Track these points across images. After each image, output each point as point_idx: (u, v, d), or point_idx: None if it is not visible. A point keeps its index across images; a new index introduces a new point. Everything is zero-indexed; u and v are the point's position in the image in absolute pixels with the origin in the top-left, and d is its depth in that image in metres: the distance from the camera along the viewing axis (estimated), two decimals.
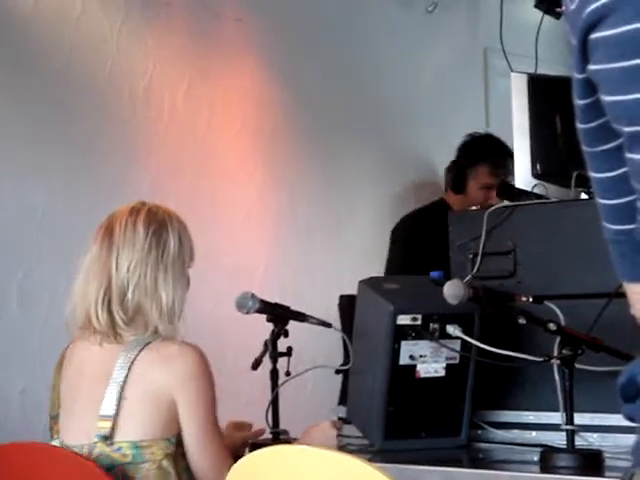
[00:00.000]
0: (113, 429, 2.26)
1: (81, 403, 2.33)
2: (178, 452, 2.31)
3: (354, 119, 4.53)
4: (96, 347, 2.34)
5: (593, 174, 1.25)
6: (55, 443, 2.35)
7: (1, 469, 2.31)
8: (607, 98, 1.15)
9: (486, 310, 2.53)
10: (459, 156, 4.16)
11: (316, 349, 3.71)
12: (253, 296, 2.69)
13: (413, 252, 3.97)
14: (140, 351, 2.30)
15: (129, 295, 2.32)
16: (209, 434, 2.33)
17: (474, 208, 2.98)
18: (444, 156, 4.69)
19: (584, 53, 1.15)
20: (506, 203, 2.89)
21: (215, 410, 2.36)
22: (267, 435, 2.71)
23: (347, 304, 3.73)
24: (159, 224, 2.37)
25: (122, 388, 2.27)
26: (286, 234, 4.28)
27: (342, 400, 3.23)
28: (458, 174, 4.12)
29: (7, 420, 3.38)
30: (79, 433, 2.30)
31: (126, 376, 2.28)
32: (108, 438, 2.26)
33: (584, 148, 1.24)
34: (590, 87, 1.18)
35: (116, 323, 2.32)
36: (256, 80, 4.25)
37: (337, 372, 2.79)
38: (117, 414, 2.26)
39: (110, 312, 2.32)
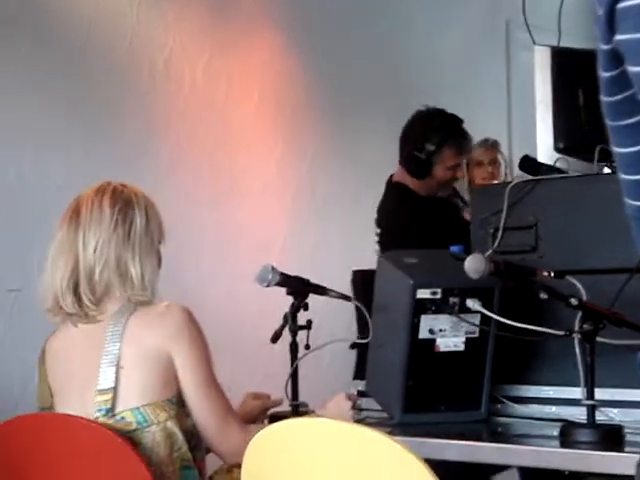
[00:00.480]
0: (114, 400, 2.26)
1: (76, 386, 2.33)
2: (181, 412, 2.31)
3: (374, 93, 4.51)
4: (75, 330, 2.35)
5: (616, 149, 1.23)
6: None
7: (19, 440, 2.32)
8: (634, 69, 1.13)
9: (507, 285, 2.51)
10: (419, 142, 3.87)
11: (334, 323, 3.71)
12: (274, 269, 2.69)
13: (416, 229, 3.84)
14: (128, 319, 2.30)
15: (97, 276, 2.31)
16: (208, 385, 2.33)
17: (496, 182, 2.95)
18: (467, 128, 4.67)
19: (611, 23, 1.14)
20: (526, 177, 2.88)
21: (211, 363, 2.36)
22: (286, 407, 2.72)
23: (360, 279, 3.70)
24: (125, 202, 2.35)
25: (118, 358, 2.27)
26: (304, 208, 4.28)
27: (357, 375, 3.22)
28: (422, 162, 3.87)
29: (27, 392, 3.39)
30: (78, 413, 2.29)
31: (120, 346, 2.27)
32: (110, 410, 2.26)
33: (607, 122, 1.23)
34: (616, 58, 1.16)
35: (83, 304, 2.31)
36: (275, 53, 4.24)
37: (352, 346, 2.79)
38: (116, 385, 2.27)
39: (77, 294, 2.32)
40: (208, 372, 2.33)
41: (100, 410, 2.27)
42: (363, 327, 3.25)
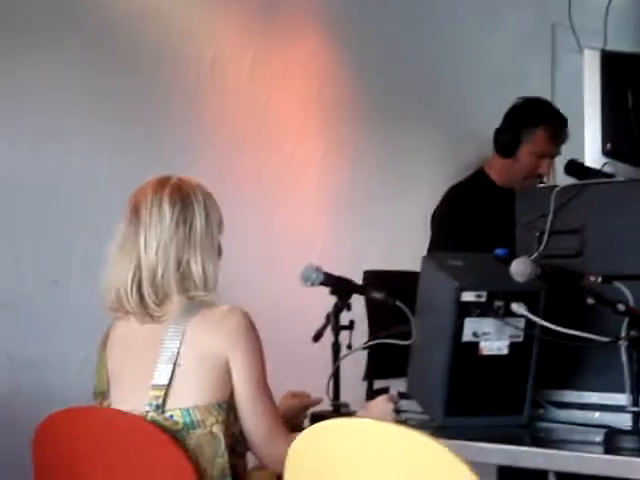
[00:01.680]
0: (165, 397, 2.28)
1: (131, 376, 2.35)
2: (229, 417, 2.31)
3: (417, 94, 4.50)
4: (138, 324, 2.36)
5: None
6: None
7: (67, 432, 2.34)
8: None
9: (553, 289, 2.50)
10: (515, 117, 3.87)
11: None
12: (318, 269, 2.69)
13: (454, 232, 3.81)
14: (189, 319, 2.31)
15: (159, 276, 2.32)
16: (261, 393, 2.34)
17: (541, 185, 2.93)
18: None
19: None
20: (573, 181, 2.86)
21: (265, 371, 2.36)
22: (327, 407, 2.71)
23: (372, 280, 3.65)
24: (184, 201, 2.35)
25: (176, 356, 2.28)
26: (346, 208, 4.28)
27: (368, 375, 3.21)
28: (512, 136, 3.85)
29: (67, 387, 3.42)
30: (130, 405, 2.31)
31: (179, 345, 2.29)
32: (160, 407, 2.27)
33: None
34: None
35: (147, 304, 2.32)
36: (319, 54, 4.24)
37: (365, 347, 2.78)
38: (170, 383, 2.28)
39: (140, 293, 2.33)
40: (262, 380, 2.34)
41: (151, 405, 2.28)
42: (374, 327, 3.24)
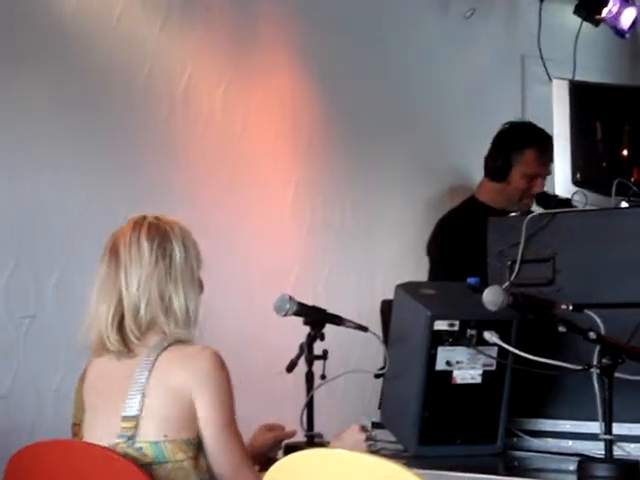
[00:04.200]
0: (136, 429, 2.28)
1: (104, 408, 2.36)
2: (199, 454, 2.31)
3: (390, 124, 4.52)
4: (115, 360, 2.37)
5: None
6: None
7: (38, 466, 2.32)
8: None
9: (525, 317, 2.51)
10: (503, 142, 3.99)
11: (348, 353, 3.71)
12: (291, 299, 2.69)
13: (451, 260, 3.87)
14: (160, 352, 2.32)
15: (142, 312, 2.34)
16: (227, 433, 2.33)
17: (513, 215, 2.95)
18: (479, 163, 4.66)
19: None
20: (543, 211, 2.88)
21: (234, 411, 2.36)
22: (302, 438, 2.71)
23: (389, 309, 3.68)
24: (162, 236, 2.38)
25: (144, 387, 2.29)
26: (320, 238, 4.28)
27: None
28: (503, 160, 3.96)
29: (40, 421, 3.40)
30: (101, 436, 2.31)
31: (148, 376, 2.30)
32: (131, 438, 2.28)
33: None
34: None
35: (128, 340, 2.34)
36: (292, 85, 4.26)
37: (377, 376, 2.78)
38: (140, 414, 2.29)
39: (121, 331, 2.35)
40: (228, 419, 2.33)
41: (122, 437, 2.29)
42: None
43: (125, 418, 2.29)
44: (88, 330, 2.39)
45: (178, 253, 2.38)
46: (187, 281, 2.38)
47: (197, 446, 2.31)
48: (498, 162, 3.98)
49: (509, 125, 4.07)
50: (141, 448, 2.28)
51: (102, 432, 2.31)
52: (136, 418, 2.28)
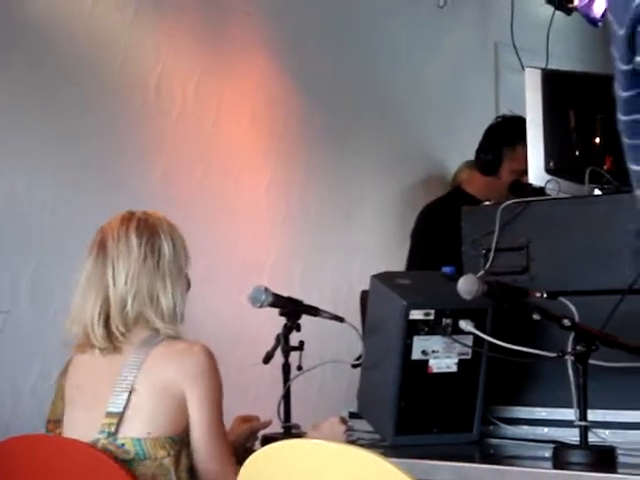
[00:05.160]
0: (118, 425, 2.27)
1: (87, 404, 2.34)
2: (181, 452, 2.31)
3: (363, 115, 4.52)
4: (99, 356, 2.36)
5: (632, 166, 1.24)
6: None
7: (14, 462, 2.31)
8: None
9: (500, 305, 2.52)
10: (495, 136, 3.96)
11: (325, 344, 3.71)
12: (266, 290, 2.70)
13: (431, 250, 3.86)
14: (150, 350, 2.32)
15: (129, 307, 2.33)
16: (216, 431, 2.34)
17: (487, 204, 2.96)
18: (453, 152, 4.68)
19: (632, 44, 1.14)
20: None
21: (221, 409, 2.37)
22: (279, 429, 2.71)
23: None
24: (151, 232, 2.37)
25: (132, 384, 2.28)
26: (295, 229, 4.28)
27: None
28: (493, 154, 3.94)
29: (17, 416, 3.38)
30: (82, 432, 2.30)
31: (137, 374, 2.29)
32: (112, 434, 2.27)
33: (624, 140, 1.24)
34: (636, 78, 1.16)
35: (114, 337, 2.33)
36: (266, 74, 4.25)
37: (354, 366, 2.79)
38: (124, 411, 2.28)
39: (107, 327, 2.33)
40: (217, 418, 2.34)
41: (103, 432, 2.28)
42: None
43: (109, 414, 2.28)
44: (71, 325, 2.38)
45: (167, 249, 2.37)
46: (175, 277, 2.37)
47: (180, 443, 2.30)
48: (488, 156, 3.96)
49: (502, 119, 4.04)
50: (123, 444, 2.27)
51: (83, 428, 2.30)
52: (120, 415, 2.27)
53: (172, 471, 2.28)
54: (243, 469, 2.09)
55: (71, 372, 2.43)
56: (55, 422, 2.41)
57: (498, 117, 4.09)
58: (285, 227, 4.25)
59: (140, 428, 2.27)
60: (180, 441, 2.30)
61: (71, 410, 2.38)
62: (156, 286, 2.35)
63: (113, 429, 2.27)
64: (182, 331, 2.40)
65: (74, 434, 2.33)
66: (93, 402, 2.32)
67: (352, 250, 4.43)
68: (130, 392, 2.28)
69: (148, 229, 2.38)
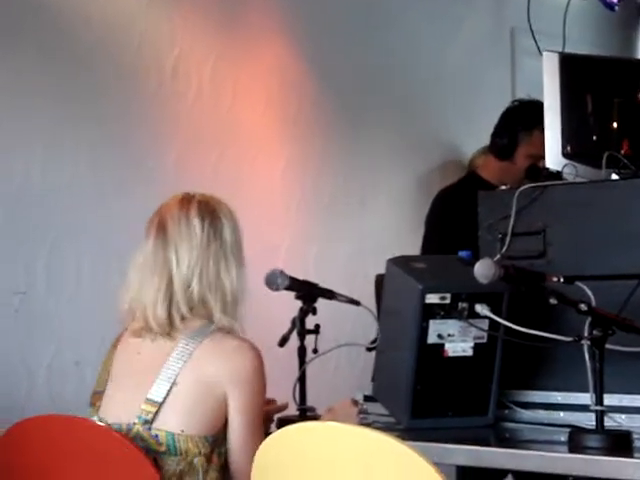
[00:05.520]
0: (156, 414, 2.26)
1: (129, 384, 2.33)
2: (213, 451, 2.29)
3: (379, 99, 4.52)
4: (148, 339, 2.34)
5: None
6: (94, 419, 2.34)
7: (27, 442, 2.31)
8: None
9: (517, 290, 2.52)
10: (511, 120, 3.91)
11: (339, 327, 3.71)
12: (282, 273, 2.70)
13: (446, 235, 3.84)
14: (200, 343, 2.29)
15: (192, 290, 2.30)
16: (256, 437, 2.30)
17: (503, 188, 2.95)
18: (469, 137, 4.67)
19: None
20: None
21: (262, 411, 2.36)
22: (294, 412, 2.72)
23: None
24: (212, 215, 2.35)
25: (176, 376, 2.26)
26: (310, 213, 4.28)
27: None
28: (510, 138, 3.88)
29: (33, 397, 3.40)
30: (121, 412, 2.29)
31: (182, 366, 2.27)
32: (148, 422, 2.25)
33: None
34: None
35: (173, 321, 2.30)
36: (282, 59, 4.24)
37: (369, 349, 2.79)
38: (164, 402, 2.26)
39: (169, 311, 2.30)
40: (258, 422, 2.33)
41: (140, 418, 2.26)
42: None
43: (148, 401, 2.27)
44: (130, 305, 2.35)
45: (229, 234, 2.35)
46: (237, 260, 2.35)
47: (214, 443, 2.29)
48: (504, 140, 3.90)
49: (518, 103, 3.99)
50: (157, 435, 2.26)
51: (122, 408, 2.29)
52: (159, 405, 2.25)
53: (201, 472, 2.26)
54: (259, 452, 2.10)
55: (121, 349, 2.40)
56: (99, 394, 2.38)
57: (514, 101, 4.05)
58: (300, 212, 4.25)
59: (175, 423, 2.25)
60: (214, 441, 2.29)
61: (113, 387, 2.36)
62: (220, 269, 2.32)
63: (150, 417, 2.25)
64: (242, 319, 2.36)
65: (112, 412, 2.32)
66: (136, 385, 2.30)
67: (367, 234, 4.44)
68: (172, 384, 2.26)
69: (209, 212, 2.35)
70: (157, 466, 2.23)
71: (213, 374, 2.27)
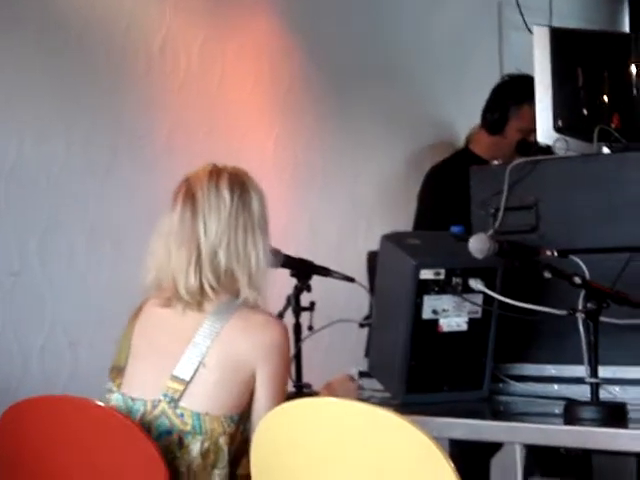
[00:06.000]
0: (182, 393, 2.24)
1: (154, 359, 2.30)
2: (238, 428, 2.28)
3: (369, 75, 4.51)
4: (175, 311, 2.31)
5: None
6: (116, 396, 2.32)
7: (23, 424, 2.29)
8: None
9: (511, 264, 2.53)
10: (502, 95, 3.94)
11: (333, 303, 3.72)
12: (277, 251, 2.70)
13: (438, 210, 3.86)
14: (227, 320, 2.27)
15: (219, 261, 2.28)
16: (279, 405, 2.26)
17: (496, 163, 2.96)
18: (458, 110, 4.67)
19: None
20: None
21: (287, 385, 2.36)
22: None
23: (375, 260, 3.70)
24: (242, 187, 2.33)
25: (204, 356, 2.24)
26: (302, 189, 4.28)
27: (368, 352, 3.24)
28: (500, 113, 3.91)
29: (27, 377, 3.40)
30: (145, 388, 2.28)
31: (210, 345, 2.25)
32: (174, 400, 2.24)
33: None
34: None
35: (204, 291, 2.28)
36: (270, 35, 4.23)
37: (362, 325, 2.81)
38: (191, 381, 2.24)
39: (200, 280, 2.28)
40: (282, 396, 2.30)
41: (166, 396, 2.25)
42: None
43: (174, 378, 2.25)
44: (156, 273, 2.31)
45: (257, 207, 2.34)
46: (263, 233, 2.34)
47: (239, 421, 2.27)
48: (495, 115, 3.93)
49: (509, 77, 4.02)
50: (182, 414, 2.24)
51: (147, 384, 2.27)
52: (185, 383, 2.24)
53: (226, 450, 2.25)
54: (258, 428, 2.11)
55: (143, 321, 2.37)
56: (119, 369, 2.36)
57: (505, 76, 4.07)
58: (293, 187, 4.25)
59: (201, 403, 2.23)
60: (239, 419, 2.27)
61: (136, 362, 2.33)
62: (247, 241, 2.30)
63: (177, 396, 2.24)
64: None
65: (136, 388, 2.29)
66: (161, 360, 2.27)
67: (359, 210, 4.44)
68: (199, 364, 2.24)
69: (239, 184, 2.33)
70: (181, 444, 2.23)
71: (242, 352, 2.25)
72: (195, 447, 2.23)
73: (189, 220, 2.30)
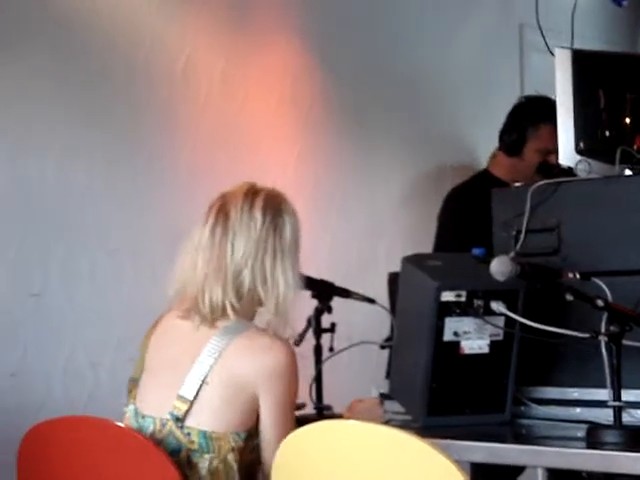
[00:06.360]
0: (187, 412, 2.24)
1: (163, 376, 2.30)
2: (246, 447, 2.27)
3: (390, 95, 4.52)
4: (191, 325, 2.31)
5: None
6: (130, 408, 2.33)
7: (47, 444, 2.31)
8: None
9: (533, 286, 2.52)
10: (519, 116, 3.94)
11: (353, 325, 3.72)
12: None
13: (458, 232, 3.85)
14: (230, 341, 2.26)
15: (242, 281, 2.27)
16: (286, 430, 2.25)
17: (517, 185, 2.95)
18: (479, 132, 4.67)
19: None
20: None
21: (294, 408, 2.34)
22: (311, 410, 2.72)
23: (396, 281, 3.69)
24: (276, 210, 2.32)
25: (207, 375, 2.24)
26: (322, 208, 4.29)
27: (390, 374, 3.23)
28: (518, 134, 3.91)
29: (49, 399, 3.40)
30: (155, 405, 2.28)
31: (213, 364, 2.24)
32: (180, 420, 2.24)
33: None
34: None
35: (225, 308, 2.27)
36: (291, 56, 4.25)
37: (383, 347, 2.80)
38: (195, 399, 2.24)
39: (222, 296, 2.27)
40: (290, 421, 2.29)
41: (172, 415, 2.25)
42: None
43: (180, 397, 2.25)
44: (182, 285, 2.31)
45: (289, 232, 2.32)
46: (293, 260, 2.32)
47: (246, 439, 2.26)
48: (513, 136, 3.93)
49: (525, 99, 4.03)
50: (189, 433, 2.24)
51: (156, 401, 2.27)
52: (190, 402, 2.24)
53: (235, 468, 2.24)
54: (280, 450, 2.11)
55: (159, 334, 2.38)
56: (135, 381, 2.36)
57: (521, 97, 4.07)
58: (312, 208, 4.26)
59: (206, 421, 2.23)
60: (247, 437, 2.26)
61: (148, 378, 2.34)
62: (276, 266, 2.28)
63: (181, 415, 2.24)
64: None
65: (147, 404, 2.30)
66: (170, 377, 2.27)
67: (379, 232, 4.44)
68: (202, 383, 2.24)
69: (273, 207, 2.32)
70: (190, 463, 2.23)
71: (245, 373, 2.24)
72: (204, 465, 2.24)
73: (219, 236, 2.30)
